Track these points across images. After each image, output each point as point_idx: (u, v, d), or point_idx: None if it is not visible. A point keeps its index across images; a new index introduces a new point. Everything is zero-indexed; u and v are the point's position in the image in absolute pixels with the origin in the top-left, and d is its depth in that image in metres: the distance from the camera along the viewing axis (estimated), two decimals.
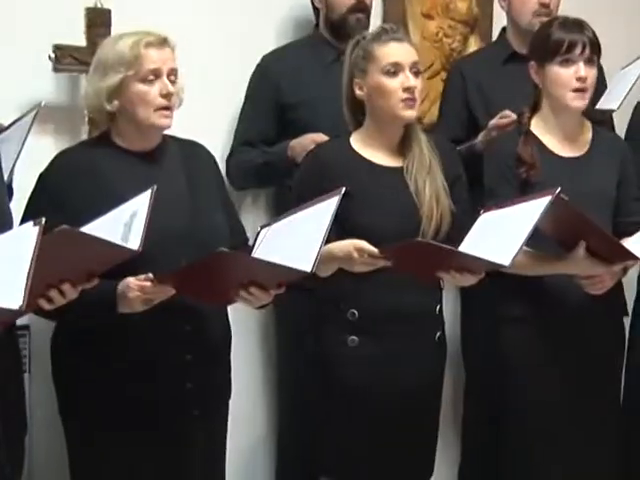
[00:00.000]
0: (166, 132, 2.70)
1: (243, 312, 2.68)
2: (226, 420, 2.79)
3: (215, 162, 2.81)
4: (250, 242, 2.69)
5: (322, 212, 2.55)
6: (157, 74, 2.61)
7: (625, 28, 3.75)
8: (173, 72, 2.64)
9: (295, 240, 2.54)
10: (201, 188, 2.70)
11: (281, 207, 3.11)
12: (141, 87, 2.60)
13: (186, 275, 2.47)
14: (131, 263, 2.39)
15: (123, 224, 2.42)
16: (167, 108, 2.62)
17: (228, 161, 3.40)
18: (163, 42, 2.63)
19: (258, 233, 2.61)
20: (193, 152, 2.76)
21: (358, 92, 2.84)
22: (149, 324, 2.54)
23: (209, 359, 2.68)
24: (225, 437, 2.79)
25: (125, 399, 2.59)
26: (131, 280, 2.48)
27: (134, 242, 2.37)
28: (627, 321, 3.15)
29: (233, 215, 2.82)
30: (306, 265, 2.44)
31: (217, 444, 2.76)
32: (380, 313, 2.81)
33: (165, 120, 2.62)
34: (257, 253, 2.54)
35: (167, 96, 2.61)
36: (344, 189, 2.57)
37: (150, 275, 2.46)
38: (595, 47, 2.93)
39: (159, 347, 2.60)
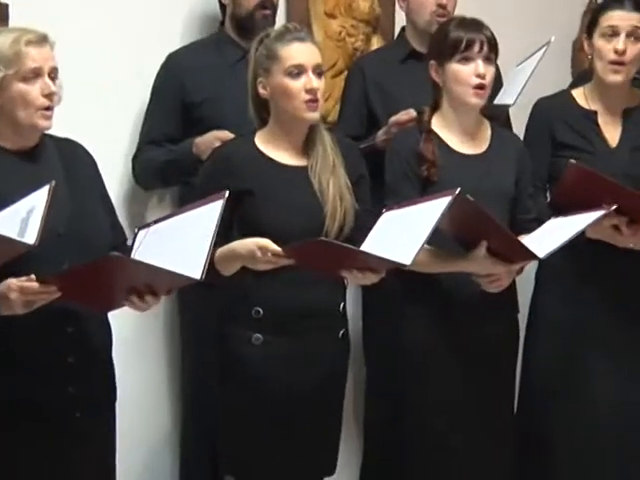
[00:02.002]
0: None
1: (148, 310, 2.56)
2: (113, 423, 2.69)
3: (94, 162, 2.71)
4: (129, 243, 2.62)
5: (207, 215, 2.50)
6: (38, 73, 2.48)
7: (520, 27, 3.69)
8: (54, 71, 2.52)
9: (180, 243, 2.47)
10: (81, 187, 2.60)
11: None
12: (22, 86, 2.47)
13: (71, 278, 2.38)
14: (12, 264, 2.30)
15: (20, 219, 2.32)
16: (49, 108, 2.50)
17: (134, 160, 3.34)
18: (43, 40, 2.50)
19: (136, 234, 2.54)
20: (71, 151, 2.65)
21: (262, 91, 2.80)
22: (30, 326, 2.43)
23: (92, 362, 2.59)
24: (113, 439, 2.69)
25: (7, 401, 2.49)
26: (12, 281, 2.36)
27: (30, 237, 2.28)
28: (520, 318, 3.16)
29: (114, 216, 2.73)
30: (195, 272, 2.38)
31: (103, 448, 2.66)
32: (284, 311, 2.78)
33: (46, 122, 2.51)
34: (136, 255, 2.46)
35: (49, 96, 2.49)
36: (228, 192, 2.52)
37: (32, 276, 2.35)
38: (493, 45, 2.94)
39: (40, 349, 2.50)
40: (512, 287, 3.00)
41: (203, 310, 3.04)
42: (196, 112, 3.27)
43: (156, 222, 2.56)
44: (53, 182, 2.35)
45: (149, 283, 2.41)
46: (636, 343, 3.16)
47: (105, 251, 2.37)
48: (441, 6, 3.37)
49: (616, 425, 3.15)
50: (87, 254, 2.41)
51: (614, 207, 2.85)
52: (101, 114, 3.08)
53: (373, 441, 3.55)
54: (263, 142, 2.81)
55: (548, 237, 2.85)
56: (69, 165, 2.59)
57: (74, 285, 2.35)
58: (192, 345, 3.34)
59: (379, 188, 2.95)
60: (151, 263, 2.37)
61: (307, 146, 2.81)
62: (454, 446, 2.96)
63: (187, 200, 3.07)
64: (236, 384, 2.80)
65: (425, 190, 2.89)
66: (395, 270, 2.67)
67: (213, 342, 2.87)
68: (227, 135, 3.06)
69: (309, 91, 2.72)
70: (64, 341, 2.52)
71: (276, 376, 2.77)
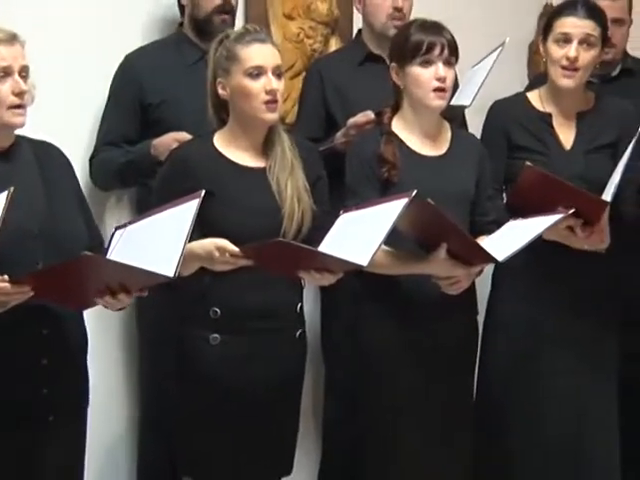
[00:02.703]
0: (21, 132, 2.57)
1: (104, 311, 2.57)
2: (84, 426, 2.68)
3: (69, 163, 2.70)
4: (105, 244, 2.60)
5: (182, 215, 2.49)
6: (8, 72, 2.46)
7: (477, 29, 3.69)
8: (24, 69, 2.50)
9: (155, 243, 2.48)
10: (57, 189, 2.59)
11: (145, 208, 2.99)
12: None
13: (45, 277, 2.37)
14: None
15: None
16: (20, 106, 2.48)
17: (91, 161, 3.30)
18: (13, 38, 2.48)
19: (113, 234, 2.53)
20: (47, 153, 2.64)
21: (221, 92, 2.78)
22: (5, 327, 2.42)
23: (66, 364, 2.58)
24: (83, 443, 2.68)
25: None
26: None
27: None
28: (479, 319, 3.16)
29: (89, 217, 2.71)
30: (168, 270, 2.38)
31: (73, 450, 2.64)
32: (242, 311, 2.76)
33: (19, 118, 2.49)
34: (113, 255, 2.46)
35: (20, 94, 2.47)
36: (204, 191, 2.52)
37: (5, 277, 2.34)
38: (453, 49, 2.94)
39: (15, 351, 2.48)
40: (471, 289, 2.99)
41: (161, 311, 3.01)
42: (154, 113, 3.24)
43: (132, 222, 2.56)
44: (12, 188, 2.32)
45: (122, 281, 2.40)
46: (590, 343, 3.17)
47: (80, 251, 2.34)
48: (397, 9, 3.36)
49: (570, 424, 3.16)
50: (62, 254, 2.39)
51: (572, 211, 2.86)
52: (59, 115, 3.04)
53: (331, 441, 3.55)
54: (222, 143, 2.79)
55: (507, 239, 2.85)
56: (44, 166, 2.58)
57: (47, 284, 2.34)
58: (150, 346, 3.31)
59: (338, 190, 2.94)
60: (124, 262, 2.36)
61: (266, 147, 2.80)
62: (412, 446, 2.96)
63: (145, 201, 3.09)
64: (193, 384, 2.79)
65: (385, 192, 2.88)
66: (354, 271, 2.67)
67: (171, 343, 2.84)
68: (185, 136, 3.03)
69: (269, 92, 2.71)
70: (39, 343, 2.50)
71: (233, 376, 2.75)
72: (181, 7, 3.35)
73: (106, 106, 3.27)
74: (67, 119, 3.13)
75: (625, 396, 3.25)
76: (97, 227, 2.73)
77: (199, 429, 2.79)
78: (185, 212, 2.48)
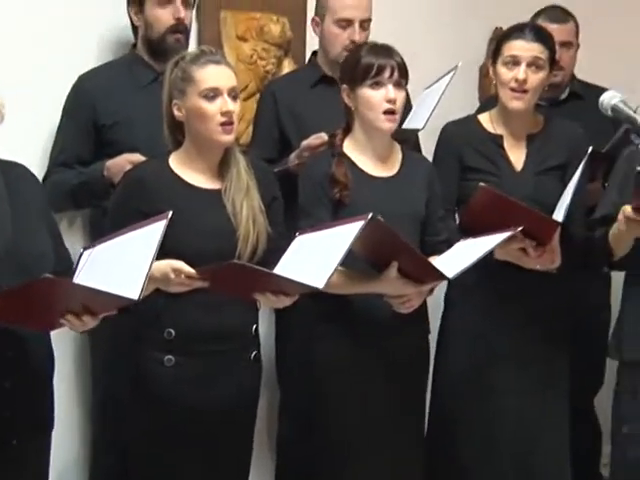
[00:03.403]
0: None
1: (57, 333, 2.54)
2: (48, 450, 2.63)
3: (39, 184, 2.67)
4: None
5: (148, 236, 2.47)
6: None
7: (429, 52, 3.71)
8: None
9: (120, 264, 2.45)
10: (24, 211, 2.53)
11: (98, 230, 2.99)
12: None
13: (6, 299, 2.32)
14: None
15: None
16: None
17: (44, 182, 3.22)
18: None
19: (81, 255, 2.50)
20: (16, 173, 2.59)
21: (177, 113, 2.76)
22: None
23: (31, 387, 2.52)
24: (47, 468, 2.63)
25: None
26: None
27: None
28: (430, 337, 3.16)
29: (58, 239, 2.66)
30: (133, 292, 2.36)
31: (36, 475, 2.60)
32: (197, 333, 2.74)
33: None
34: (79, 277, 2.43)
35: None
36: (171, 213, 2.50)
37: None
38: (403, 71, 2.95)
39: None
40: (423, 307, 3.00)
41: (115, 332, 2.93)
42: (108, 134, 3.21)
43: (99, 243, 2.53)
44: None
45: (86, 304, 2.37)
46: (542, 362, 3.18)
47: (47, 272, 2.30)
48: (353, 42, 3.35)
49: (522, 443, 3.17)
50: (28, 276, 2.34)
51: (520, 229, 2.88)
52: (12, 135, 2.98)
53: (286, 461, 3.53)
54: (177, 164, 2.77)
55: (457, 258, 2.86)
56: (12, 186, 2.53)
57: (8, 307, 2.30)
58: (104, 367, 3.26)
59: (293, 211, 2.93)
60: (86, 284, 2.33)
61: (221, 169, 2.78)
62: (366, 465, 2.95)
63: (98, 223, 3.06)
64: (148, 406, 2.76)
65: (338, 213, 2.89)
66: (310, 293, 2.64)
67: (125, 364, 2.82)
68: (139, 158, 3.00)
69: (224, 114, 2.70)
70: (2, 365, 2.44)
71: (188, 398, 2.73)
72: (134, 28, 3.32)
73: (59, 127, 3.23)
74: (20, 140, 3.06)
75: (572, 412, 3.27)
76: (67, 249, 2.68)
77: (153, 451, 2.76)
78: (151, 234, 2.46)
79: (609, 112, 2.64)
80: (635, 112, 2.56)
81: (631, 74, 3.99)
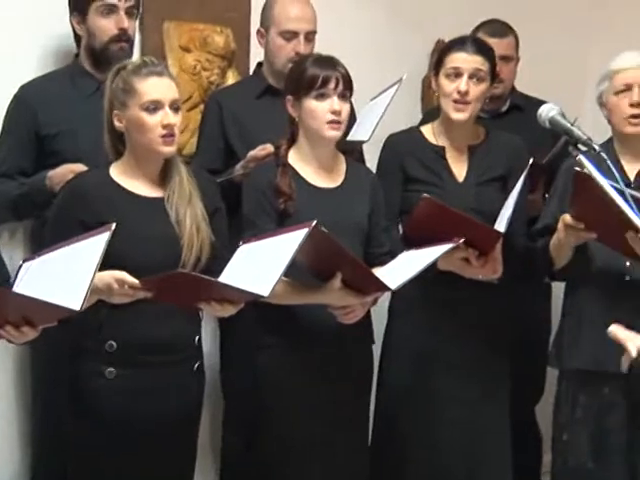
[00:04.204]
0: None
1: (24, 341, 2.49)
2: None
3: None
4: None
5: (91, 248, 2.44)
6: None
7: (373, 64, 3.71)
8: None
9: (62, 276, 2.41)
10: None
11: (39, 240, 2.94)
12: None
13: None
14: None
15: None
16: None
17: None
18: None
19: (20, 267, 2.45)
20: None
21: (117, 124, 2.73)
22: None
23: None
24: None
25: None
26: None
27: None
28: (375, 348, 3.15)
29: None
30: (75, 303, 2.32)
31: None
32: (139, 344, 2.71)
33: None
34: (19, 288, 2.37)
35: None
36: (114, 225, 2.46)
37: None
38: (348, 83, 2.94)
39: None
40: (367, 318, 2.98)
41: (56, 344, 2.88)
42: (50, 145, 3.15)
43: (40, 254, 2.48)
44: None
45: (26, 314, 2.33)
46: (483, 371, 3.18)
47: None
48: (298, 54, 3.33)
49: (463, 450, 3.17)
50: None
51: (462, 240, 2.88)
52: None
53: (230, 471, 3.50)
54: (118, 174, 2.74)
55: (401, 269, 2.86)
56: None
57: None
58: (44, 381, 3.19)
59: (237, 221, 2.91)
60: (26, 294, 2.29)
61: (163, 178, 2.76)
62: (310, 476, 2.94)
63: (40, 234, 2.99)
64: (89, 420, 2.71)
65: (282, 223, 2.87)
66: (251, 301, 2.64)
67: (66, 377, 2.77)
68: (81, 168, 2.95)
69: (165, 126, 2.68)
70: None
71: (130, 410, 2.69)
72: (77, 38, 3.27)
73: (0, 138, 3.17)
74: None
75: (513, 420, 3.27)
76: (3, 261, 2.63)
77: (95, 465, 2.72)
78: (94, 245, 2.42)
79: (547, 124, 2.66)
80: (572, 124, 2.58)
81: (571, 87, 4.03)
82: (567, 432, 3.07)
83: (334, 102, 2.88)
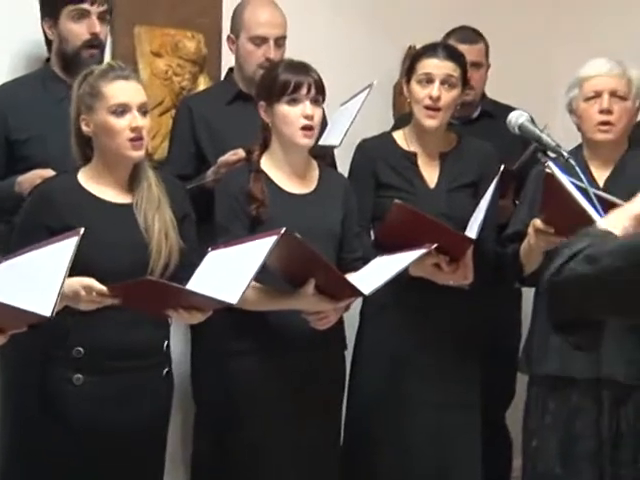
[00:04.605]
0: None
1: None
2: None
3: None
4: None
5: (59, 253, 2.41)
6: None
7: (344, 70, 3.70)
8: None
9: (31, 281, 2.38)
10: None
11: (7, 245, 2.85)
12: None
13: None
14: None
15: None
16: None
17: None
18: None
19: None
20: None
21: (85, 128, 2.71)
22: None
23: None
24: None
25: None
26: None
27: None
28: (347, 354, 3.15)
29: None
30: (45, 309, 2.30)
31: None
32: (106, 350, 2.69)
33: None
34: None
35: None
36: (82, 230, 2.44)
37: None
38: (320, 88, 2.93)
39: None
40: (340, 323, 2.97)
41: (25, 350, 2.84)
42: (21, 149, 3.12)
43: (7, 259, 2.45)
44: None
45: None
46: (454, 377, 3.17)
47: None
48: (269, 60, 3.32)
49: (435, 456, 3.16)
50: None
51: (434, 246, 2.88)
52: None
53: (200, 476, 3.47)
54: (86, 179, 2.72)
55: (373, 275, 2.85)
56: None
57: None
58: (13, 387, 3.15)
59: (208, 227, 2.89)
60: None
61: (132, 183, 2.74)
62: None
63: (7, 239, 2.95)
64: (57, 426, 2.69)
65: (254, 228, 2.86)
66: (224, 308, 2.61)
67: (34, 385, 2.74)
68: (50, 173, 2.93)
69: (133, 130, 2.66)
70: None
71: (98, 416, 2.67)
72: (48, 42, 3.24)
73: None
74: None
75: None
76: None
77: (63, 472, 2.68)
78: (63, 250, 2.40)
79: (516, 131, 2.66)
80: (542, 131, 2.58)
81: (541, 94, 4.04)
82: (536, 438, 3.06)
83: (307, 107, 2.87)
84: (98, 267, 2.59)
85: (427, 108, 3.11)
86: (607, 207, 2.37)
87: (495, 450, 3.57)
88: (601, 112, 3.03)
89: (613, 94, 3.03)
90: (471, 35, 3.72)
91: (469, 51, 3.53)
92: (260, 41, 3.35)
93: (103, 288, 2.52)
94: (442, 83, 3.11)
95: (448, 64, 3.13)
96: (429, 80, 3.11)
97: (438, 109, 3.11)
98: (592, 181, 2.95)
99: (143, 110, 2.69)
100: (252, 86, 3.25)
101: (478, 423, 3.23)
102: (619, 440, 2.97)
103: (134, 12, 3.52)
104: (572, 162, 2.46)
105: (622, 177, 3.05)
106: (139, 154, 2.69)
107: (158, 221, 2.70)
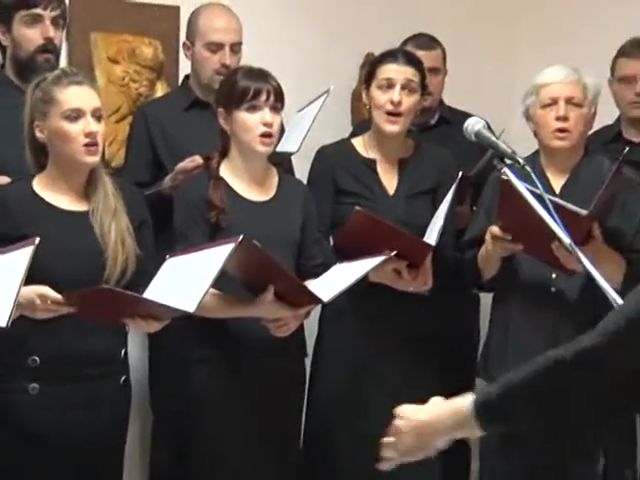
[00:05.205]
0: None
1: None
2: None
3: None
4: None
5: (15, 262, 2.39)
6: None
7: (302, 76, 3.69)
8: None
9: None
10: None
11: None
12: None
13: None
14: None
15: None
16: None
17: None
18: None
19: None
20: None
21: (39, 135, 2.70)
22: None
23: None
24: None
25: None
26: None
27: None
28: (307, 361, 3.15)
29: None
30: (1, 319, 2.30)
31: None
32: (63, 359, 2.67)
33: None
34: None
35: None
36: (38, 239, 2.42)
37: None
38: (279, 95, 2.93)
39: None
40: (300, 330, 2.96)
41: None
42: None
43: None
44: None
45: None
46: (412, 383, 3.15)
47: None
48: (224, 66, 3.31)
49: None
50: None
51: (394, 253, 2.88)
52: None
53: None
54: (41, 186, 2.70)
55: (333, 281, 2.85)
56: None
57: None
58: None
59: (166, 234, 2.88)
60: None
61: (88, 190, 2.72)
62: None
63: None
64: (12, 437, 2.65)
65: (214, 236, 2.84)
66: (182, 316, 2.59)
67: None
68: (5, 180, 2.89)
69: (88, 135, 2.64)
70: None
71: (54, 427, 2.65)
72: (2, 48, 3.21)
73: None
74: None
75: None
76: None
77: None
78: (18, 259, 2.38)
79: (473, 137, 2.67)
80: (498, 138, 2.59)
81: (499, 100, 4.05)
82: (495, 440, 3.07)
83: (266, 114, 2.87)
84: (54, 275, 2.57)
85: (388, 113, 3.12)
86: (563, 214, 2.38)
87: (454, 453, 3.57)
88: (557, 119, 3.04)
89: (569, 101, 3.05)
90: (428, 41, 3.73)
91: (427, 57, 3.54)
92: (216, 47, 3.34)
93: (58, 296, 2.50)
94: (402, 88, 3.12)
95: (408, 69, 3.14)
96: (390, 85, 3.12)
97: (399, 114, 3.12)
98: (548, 188, 2.96)
99: (97, 115, 2.67)
100: (208, 93, 3.25)
101: None
102: None
103: (91, 18, 3.49)
104: (528, 169, 2.47)
105: (578, 184, 3.06)
106: (94, 159, 2.67)
107: (114, 228, 2.68)
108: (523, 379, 1.70)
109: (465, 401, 1.79)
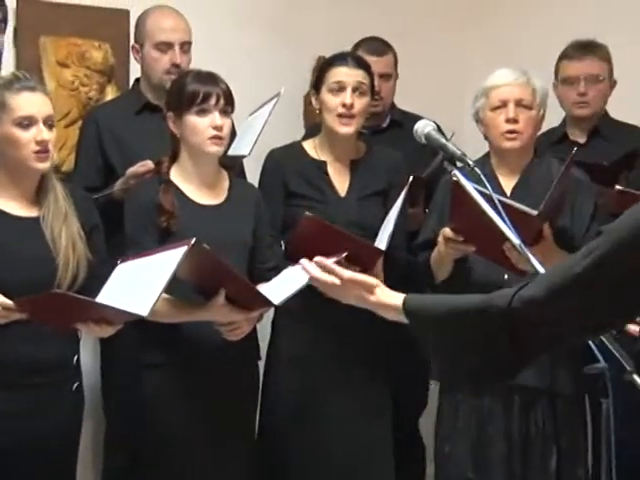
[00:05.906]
0: None
1: None
2: None
3: None
4: None
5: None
6: None
7: (253, 80, 3.69)
8: None
9: None
10: None
11: None
12: None
13: None
14: None
15: None
16: None
17: None
18: None
19: None
20: None
21: None
22: None
23: None
24: None
25: None
26: None
27: None
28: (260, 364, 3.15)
29: None
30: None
31: None
32: (13, 365, 2.64)
33: None
34: None
35: None
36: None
37: None
38: (229, 98, 2.92)
39: None
40: (253, 334, 2.96)
41: None
42: None
43: None
44: None
45: None
46: (364, 389, 3.18)
47: None
48: (175, 65, 3.31)
49: (344, 456, 3.15)
50: None
51: (345, 254, 2.87)
52: None
53: None
54: None
55: (284, 285, 2.84)
56: None
57: None
58: None
59: (117, 239, 2.87)
60: None
61: (38, 196, 2.70)
62: None
63: None
64: None
65: (164, 240, 2.83)
66: (135, 321, 2.58)
67: None
68: None
69: (39, 143, 2.62)
70: None
71: (4, 433, 2.61)
72: None
73: None
74: None
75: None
76: None
77: None
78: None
79: (423, 140, 2.68)
80: (448, 140, 2.61)
81: (450, 103, 4.07)
82: (449, 443, 3.08)
83: (215, 117, 2.86)
84: (4, 281, 2.55)
85: (340, 116, 3.13)
86: (513, 214, 2.40)
87: (409, 456, 3.59)
88: (507, 121, 3.07)
89: (518, 103, 3.07)
90: (380, 47, 3.74)
91: (378, 63, 3.56)
92: (165, 47, 3.34)
93: (9, 302, 2.49)
94: (354, 90, 3.14)
95: (358, 72, 3.16)
96: (341, 88, 3.13)
97: (352, 116, 3.13)
98: (499, 189, 3.00)
99: (49, 123, 2.66)
100: (159, 94, 3.24)
101: (389, 431, 3.23)
102: (529, 444, 3.00)
103: (39, 22, 3.47)
104: (477, 170, 2.49)
105: (529, 185, 3.09)
106: (45, 166, 2.65)
107: (65, 234, 2.67)
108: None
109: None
